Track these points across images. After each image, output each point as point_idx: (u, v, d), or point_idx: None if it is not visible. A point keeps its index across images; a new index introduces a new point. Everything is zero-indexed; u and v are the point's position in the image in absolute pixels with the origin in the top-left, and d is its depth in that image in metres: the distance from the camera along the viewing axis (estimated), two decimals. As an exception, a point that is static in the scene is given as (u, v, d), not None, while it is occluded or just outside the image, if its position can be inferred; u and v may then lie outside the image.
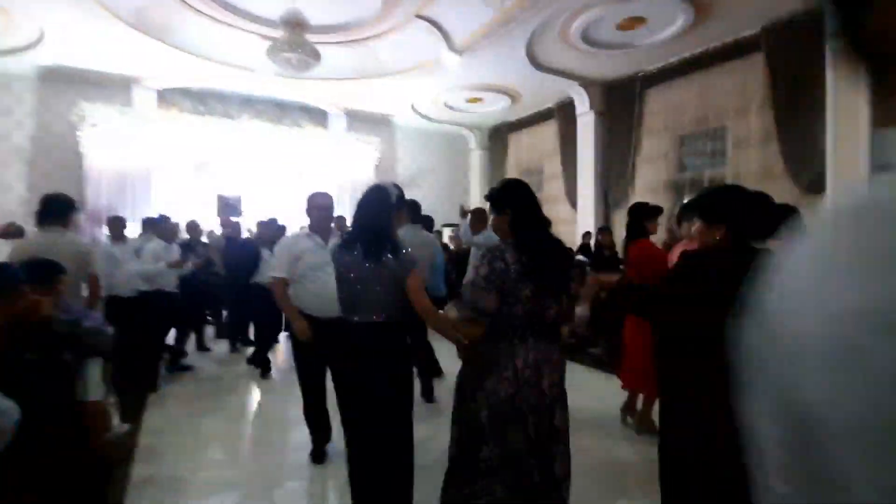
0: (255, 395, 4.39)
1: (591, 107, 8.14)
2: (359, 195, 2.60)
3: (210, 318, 6.50)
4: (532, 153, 10.06)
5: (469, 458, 1.49)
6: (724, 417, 1.30)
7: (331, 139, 9.59)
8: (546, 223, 1.51)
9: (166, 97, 8.34)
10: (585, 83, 7.99)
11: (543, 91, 8.37)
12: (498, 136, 10.88)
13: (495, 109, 9.55)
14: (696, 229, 1.40)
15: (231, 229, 6.19)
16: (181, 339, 5.15)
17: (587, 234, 7.00)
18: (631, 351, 2.95)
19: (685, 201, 2.65)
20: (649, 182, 7.69)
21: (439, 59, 7.01)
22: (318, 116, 9.64)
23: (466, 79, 7.86)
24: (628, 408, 3.18)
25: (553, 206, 9.00)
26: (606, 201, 8.21)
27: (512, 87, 8.38)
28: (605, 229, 6.52)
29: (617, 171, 7.98)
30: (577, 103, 8.32)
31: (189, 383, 4.60)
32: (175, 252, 4.84)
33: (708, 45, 6.61)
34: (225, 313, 6.40)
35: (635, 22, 6.05)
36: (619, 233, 6.68)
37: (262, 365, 4.81)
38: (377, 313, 1.76)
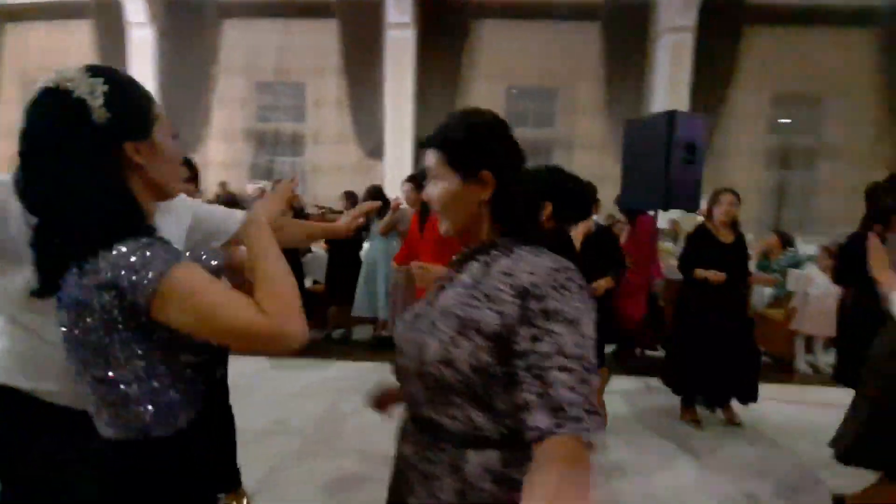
0: None
1: (153, 21, 6.47)
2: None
3: None
4: (50, 58, 7.06)
5: None
6: None
7: None
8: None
9: None
10: (142, -14, 6.23)
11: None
12: (-23, 19, 7.02)
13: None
14: None
15: None
16: None
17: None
18: None
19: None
20: (225, 128, 7.03)
21: None
22: None
23: None
24: None
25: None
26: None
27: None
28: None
29: (188, 109, 6.81)
30: (128, 9, 6.40)
31: None
32: None
33: (291, -6, 6.49)
34: None
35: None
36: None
37: None
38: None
